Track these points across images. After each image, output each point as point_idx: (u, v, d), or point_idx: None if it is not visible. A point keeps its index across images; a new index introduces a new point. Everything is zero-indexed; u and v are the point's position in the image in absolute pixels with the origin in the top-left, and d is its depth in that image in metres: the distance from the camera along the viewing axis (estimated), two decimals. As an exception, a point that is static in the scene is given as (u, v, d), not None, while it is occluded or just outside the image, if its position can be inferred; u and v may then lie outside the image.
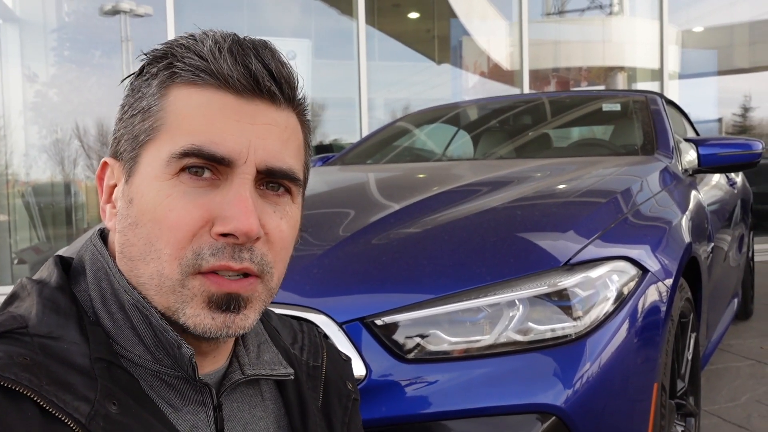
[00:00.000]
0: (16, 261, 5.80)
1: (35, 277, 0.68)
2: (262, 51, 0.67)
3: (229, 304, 0.65)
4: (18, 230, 5.79)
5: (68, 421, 0.56)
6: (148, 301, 0.65)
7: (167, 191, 0.64)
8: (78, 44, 6.13)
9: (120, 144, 0.68)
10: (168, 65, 0.66)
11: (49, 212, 5.93)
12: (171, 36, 5.68)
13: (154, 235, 0.64)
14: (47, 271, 0.68)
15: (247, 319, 0.66)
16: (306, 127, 0.74)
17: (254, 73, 0.65)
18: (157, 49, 0.69)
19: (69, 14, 6.16)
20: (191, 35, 0.68)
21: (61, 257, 0.71)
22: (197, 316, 0.64)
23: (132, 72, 0.71)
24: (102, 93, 6.21)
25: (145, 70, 0.69)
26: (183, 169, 0.64)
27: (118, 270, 0.67)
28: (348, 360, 0.92)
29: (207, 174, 0.64)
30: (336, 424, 0.83)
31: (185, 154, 0.63)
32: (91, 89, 6.19)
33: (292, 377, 0.78)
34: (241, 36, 0.68)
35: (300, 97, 0.72)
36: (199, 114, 0.65)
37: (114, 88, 6.13)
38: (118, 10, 5.97)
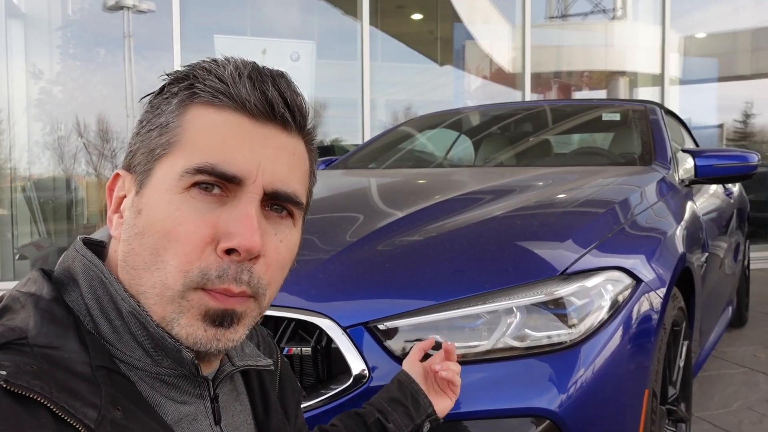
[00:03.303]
0: (17, 257, 5.84)
1: (24, 290, 0.68)
2: (278, 80, 0.71)
3: (223, 319, 0.68)
4: (19, 225, 5.82)
5: (79, 427, 0.58)
6: (145, 310, 0.67)
7: (177, 204, 0.67)
8: (82, 41, 6.15)
9: (135, 157, 0.71)
10: (189, 86, 0.70)
11: (49, 207, 5.96)
12: (176, 34, 5.74)
13: (161, 246, 0.66)
14: (36, 285, 0.69)
15: (237, 334, 0.70)
16: (312, 155, 0.78)
17: (270, 99, 0.69)
18: (179, 71, 0.73)
19: (74, 11, 6.19)
20: (213, 60, 0.72)
21: (43, 270, 0.72)
22: (190, 326, 0.67)
23: (151, 92, 0.74)
24: (106, 90, 6.24)
25: (165, 90, 0.72)
26: (194, 185, 0.67)
27: (115, 278, 0.69)
28: (287, 362, 0.99)
29: (216, 191, 0.68)
30: (290, 414, 0.90)
31: (199, 171, 0.67)
32: (95, 87, 6.23)
33: (272, 368, 0.85)
34: (261, 65, 0.72)
35: (309, 126, 0.75)
36: (215, 133, 0.68)
37: (117, 86, 6.17)
38: (121, 5, 6.00)
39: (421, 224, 1.70)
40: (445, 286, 1.43)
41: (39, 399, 0.57)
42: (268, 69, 0.72)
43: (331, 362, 1.38)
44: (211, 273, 0.66)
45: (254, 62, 0.72)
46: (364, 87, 6.39)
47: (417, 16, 7.85)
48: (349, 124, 6.79)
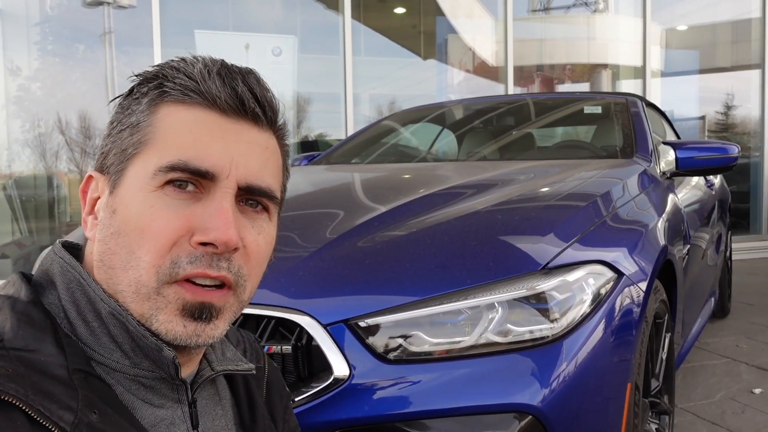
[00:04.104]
0: (-1, 255, 5.77)
1: (2, 293, 0.68)
2: (248, 76, 0.71)
3: (201, 313, 0.67)
4: (0, 223, 5.75)
5: (55, 430, 0.58)
6: (124, 308, 0.67)
7: (151, 202, 0.66)
8: (61, 37, 6.07)
9: (107, 158, 0.71)
10: (158, 85, 0.70)
11: (31, 205, 5.89)
12: (157, 29, 5.68)
13: (135, 244, 0.66)
14: (14, 288, 0.69)
15: (217, 329, 0.69)
16: (285, 151, 0.78)
17: (240, 94, 0.70)
18: (147, 71, 0.72)
19: (52, 7, 6.11)
20: (182, 58, 0.72)
21: (22, 273, 0.72)
22: (169, 323, 0.66)
23: (120, 94, 0.74)
24: (86, 87, 6.17)
25: (135, 90, 0.72)
26: (168, 182, 0.67)
27: (93, 279, 0.69)
28: (278, 368, 0.98)
29: (190, 187, 0.68)
30: (278, 419, 0.90)
31: (172, 168, 0.66)
32: (75, 83, 6.15)
33: (254, 372, 0.84)
34: (229, 63, 0.72)
35: (281, 122, 0.76)
36: (186, 130, 0.68)
37: (97, 82, 6.09)
38: (101, 1, 5.92)
39: (403, 220, 1.69)
40: (427, 281, 1.42)
41: (14, 402, 0.57)
42: (236, 66, 0.72)
43: (312, 360, 1.36)
44: (182, 260, 0.66)
45: (223, 60, 0.72)
46: (346, 81, 6.37)
47: (400, 10, 7.83)
48: (333, 119, 6.77)
